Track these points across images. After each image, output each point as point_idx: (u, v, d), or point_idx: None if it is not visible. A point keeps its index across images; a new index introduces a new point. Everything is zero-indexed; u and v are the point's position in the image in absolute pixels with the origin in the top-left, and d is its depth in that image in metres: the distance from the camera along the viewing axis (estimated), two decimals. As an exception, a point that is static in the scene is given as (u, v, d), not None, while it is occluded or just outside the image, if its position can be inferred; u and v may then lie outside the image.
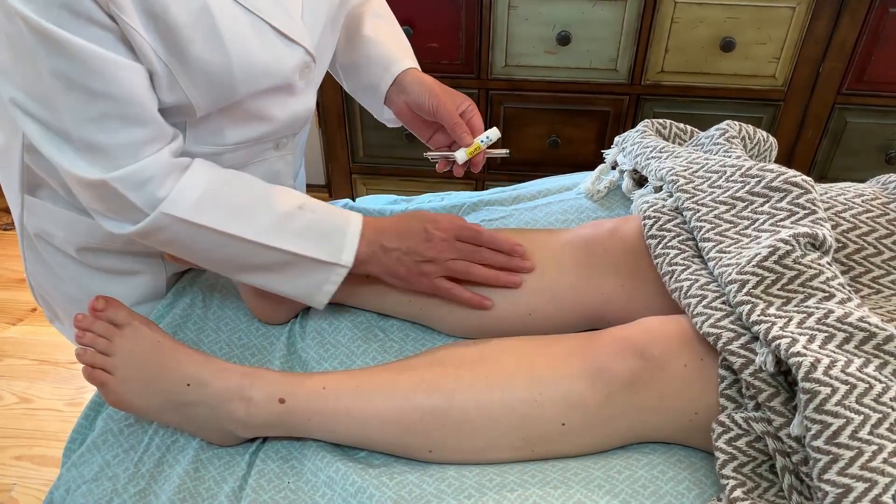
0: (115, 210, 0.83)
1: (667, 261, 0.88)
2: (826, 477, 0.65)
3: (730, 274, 0.80)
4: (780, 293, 0.78)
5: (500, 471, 0.82)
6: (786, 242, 0.79)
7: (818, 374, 0.68)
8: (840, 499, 0.64)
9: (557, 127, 1.85)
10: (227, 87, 0.83)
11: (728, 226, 0.87)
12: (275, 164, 1.01)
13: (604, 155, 1.18)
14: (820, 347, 0.71)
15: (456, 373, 0.84)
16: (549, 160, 1.91)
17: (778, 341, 0.71)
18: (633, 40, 1.68)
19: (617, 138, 1.17)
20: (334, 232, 0.90)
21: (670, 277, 0.86)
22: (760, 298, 0.77)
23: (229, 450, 0.88)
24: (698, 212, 0.89)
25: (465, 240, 0.93)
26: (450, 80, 1.78)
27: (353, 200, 1.25)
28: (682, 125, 1.16)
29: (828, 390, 0.67)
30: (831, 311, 0.74)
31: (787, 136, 1.81)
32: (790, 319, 0.74)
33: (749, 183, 0.90)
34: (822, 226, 0.82)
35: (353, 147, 1.95)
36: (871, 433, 0.65)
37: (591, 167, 1.20)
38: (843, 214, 0.88)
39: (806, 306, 0.76)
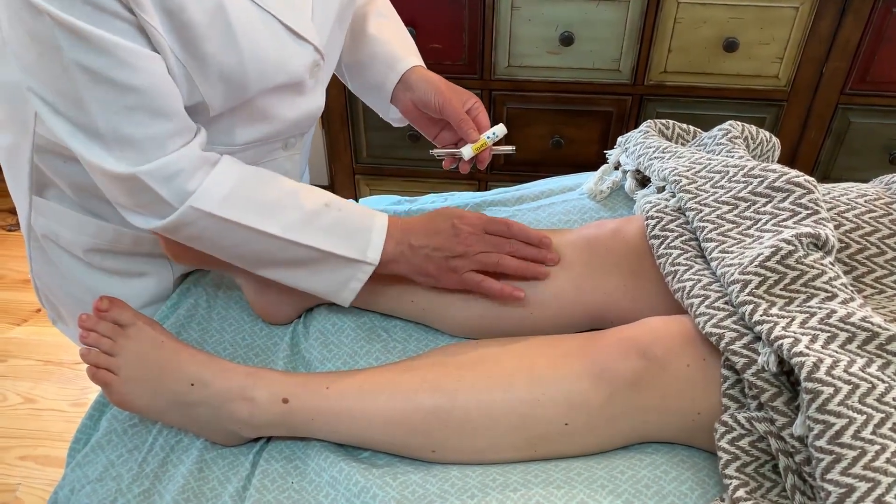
0: (144, 204, 0.83)
1: (669, 261, 0.88)
2: (829, 477, 0.65)
3: (732, 274, 0.80)
4: (783, 293, 0.78)
5: (503, 471, 0.82)
6: (788, 242, 0.79)
7: (821, 374, 0.68)
8: (843, 499, 0.64)
9: (560, 127, 1.85)
10: (240, 85, 0.84)
11: (731, 226, 0.87)
12: (283, 164, 1.01)
13: (607, 155, 1.18)
14: (822, 347, 0.71)
15: (458, 373, 0.84)
16: (552, 160, 1.91)
17: (780, 341, 0.71)
18: (636, 40, 1.68)
19: (620, 139, 1.17)
20: (360, 230, 0.90)
21: (673, 277, 0.86)
22: (763, 298, 0.77)
23: (233, 450, 0.88)
24: (701, 212, 0.89)
25: (494, 232, 0.93)
26: (453, 80, 1.76)
27: (357, 201, 1.25)
28: (684, 125, 1.16)
29: (830, 390, 0.67)
30: (834, 311, 0.74)
31: (790, 137, 1.81)
32: (793, 319, 0.74)
33: (752, 183, 0.90)
34: (824, 226, 0.82)
35: (356, 148, 1.96)
36: (873, 433, 0.65)
37: (594, 167, 1.20)
38: (845, 214, 0.88)
39: (808, 306, 0.76)
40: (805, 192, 0.86)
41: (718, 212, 0.89)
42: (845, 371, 0.68)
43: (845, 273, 0.85)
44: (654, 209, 0.94)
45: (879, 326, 0.72)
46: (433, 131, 1.07)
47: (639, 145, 1.09)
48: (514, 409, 0.81)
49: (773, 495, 0.73)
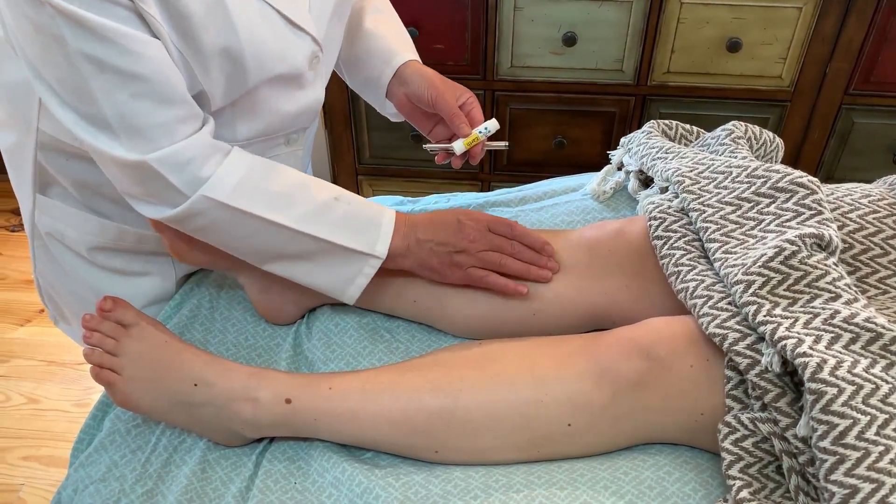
0: (154, 193, 0.83)
1: (672, 261, 0.88)
2: (833, 478, 0.65)
3: (736, 274, 0.80)
4: (786, 294, 0.78)
5: (506, 471, 0.82)
6: (792, 243, 0.79)
7: (824, 374, 0.67)
8: (847, 499, 0.64)
9: (563, 128, 1.85)
10: (240, 76, 0.84)
11: (734, 226, 0.87)
12: (286, 160, 1.01)
13: (610, 156, 1.18)
14: (826, 348, 0.71)
15: (461, 373, 0.84)
16: (555, 161, 1.90)
17: (784, 342, 0.71)
18: (639, 41, 1.68)
19: (623, 139, 1.17)
20: (369, 223, 0.90)
21: (676, 278, 0.86)
22: (766, 299, 0.77)
23: (236, 450, 0.88)
24: (704, 213, 0.89)
25: (498, 232, 0.94)
26: (455, 80, 1.78)
27: (360, 201, 1.25)
28: (687, 126, 1.15)
29: (834, 391, 0.67)
30: (837, 312, 0.74)
31: (793, 137, 1.80)
32: (796, 320, 0.74)
33: (755, 184, 0.90)
34: (828, 226, 0.82)
35: (358, 148, 1.96)
36: (877, 434, 0.65)
37: (597, 168, 1.19)
38: (849, 215, 0.88)
39: (812, 307, 0.76)
40: (808, 192, 0.86)
41: (722, 212, 0.89)
42: (849, 372, 0.68)
43: (849, 274, 0.85)
44: (657, 210, 0.94)
45: (883, 327, 0.72)
46: (428, 126, 1.07)
47: (642, 146, 1.09)
48: (517, 410, 0.81)
49: (777, 496, 0.73)
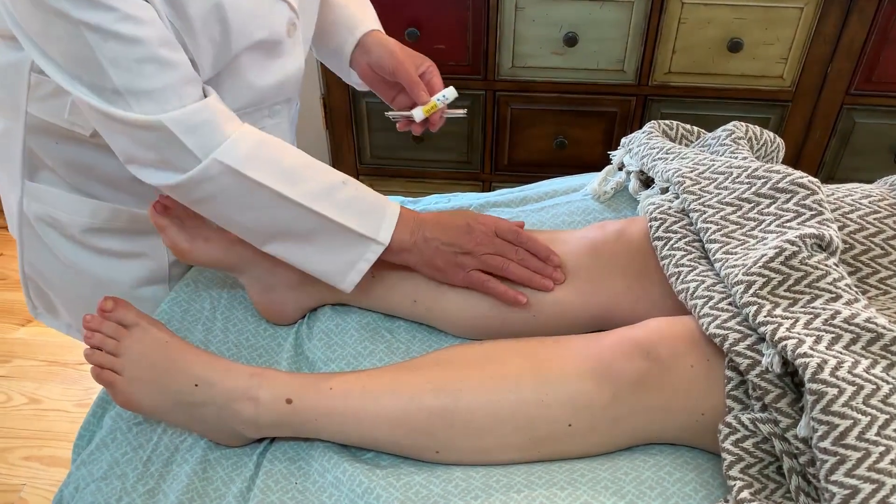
0: (166, 158, 0.83)
1: (673, 262, 0.88)
2: (833, 478, 0.65)
3: (736, 275, 0.80)
4: (787, 294, 0.78)
5: (507, 472, 0.82)
6: (792, 243, 0.79)
7: (825, 374, 0.67)
8: (847, 500, 0.64)
9: (564, 128, 1.85)
10: (225, 43, 0.86)
11: (734, 227, 0.87)
12: (270, 133, 1.02)
13: (610, 156, 1.18)
14: (827, 348, 0.71)
15: (463, 373, 0.84)
16: (556, 161, 1.91)
17: (784, 342, 0.71)
18: (641, 41, 1.68)
19: (624, 139, 1.17)
20: (375, 210, 0.91)
21: (677, 278, 0.86)
22: (767, 299, 0.77)
23: (237, 450, 0.88)
24: (704, 213, 0.89)
25: (505, 237, 0.94)
26: (457, 81, 1.78)
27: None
28: (688, 126, 1.15)
29: (835, 391, 0.67)
30: (838, 312, 0.74)
31: (794, 137, 1.80)
32: (797, 320, 0.74)
33: (755, 184, 0.90)
34: (828, 227, 0.82)
35: (360, 149, 1.96)
36: (878, 434, 0.65)
37: (598, 168, 1.20)
38: (850, 215, 0.88)
39: (812, 307, 0.76)
40: (809, 193, 0.86)
41: (722, 213, 0.89)
42: (849, 372, 0.68)
43: (849, 274, 0.85)
44: (657, 210, 0.94)
45: (884, 327, 0.72)
46: (390, 94, 1.10)
47: (642, 146, 1.09)
48: (518, 410, 0.81)
49: (777, 496, 0.73)
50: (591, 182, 1.16)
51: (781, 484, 0.74)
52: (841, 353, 0.70)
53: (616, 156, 1.17)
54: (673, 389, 0.79)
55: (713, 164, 0.96)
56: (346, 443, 0.86)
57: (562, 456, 0.83)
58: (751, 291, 0.78)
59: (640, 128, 1.19)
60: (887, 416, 0.66)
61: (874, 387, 0.67)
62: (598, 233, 0.96)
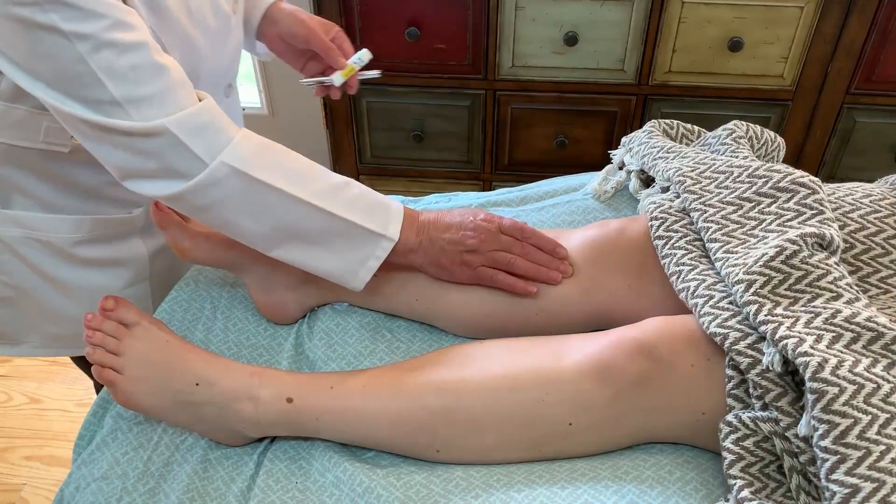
0: (170, 165, 0.82)
1: (674, 261, 0.88)
2: (834, 477, 0.65)
3: (737, 274, 0.80)
4: (788, 293, 0.78)
5: (507, 471, 0.82)
6: (793, 242, 0.79)
7: (826, 373, 0.67)
8: (848, 499, 0.64)
9: (565, 127, 1.85)
10: (190, 33, 0.89)
11: (735, 226, 0.87)
12: (229, 111, 1.04)
13: (611, 155, 1.18)
14: (827, 347, 0.71)
15: (463, 373, 0.84)
16: (557, 161, 1.90)
17: (785, 341, 0.71)
18: (641, 40, 1.68)
19: (624, 139, 1.17)
20: (380, 207, 0.91)
21: (677, 277, 0.86)
22: (767, 298, 0.77)
23: (237, 450, 0.88)
24: (705, 212, 0.89)
25: (509, 233, 0.95)
26: (457, 80, 1.79)
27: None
28: (689, 125, 1.15)
29: (835, 390, 0.67)
30: (839, 311, 0.74)
31: (795, 137, 1.80)
32: (797, 319, 0.74)
33: (756, 183, 0.90)
34: (829, 226, 0.82)
35: (360, 148, 1.96)
36: (878, 433, 0.65)
37: (599, 168, 1.20)
38: (850, 215, 0.88)
39: (813, 306, 0.76)
40: (810, 192, 0.86)
41: (723, 212, 0.89)
42: (850, 371, 0.68)
43: (850, 273, 0.85)
44: (658, 209, 0.94)
45: (885, 326, 0.72)
46: (300, 63, 1.12)
47: (643, 145, 1.10)
48: (519, 409, 0.81)
49: (778, 495, 0.73)
50: (591, 181, 1.16)
51: (782, 483, 0.74)
52: (842, 351, 0.70)
53: (616, 155, 1.17)
54: (674, 388, 0.79)
55: (714, 164, 0.96)
56: (347, 442, 0.86)
57: (563, 455, 0.83)
58: (751, 290, 0.78)
59: (641, 127, 1.19)
60: (888, 415, 0.66)
61: (875, 385, 0.67)
62: (599, 231, 0.96)
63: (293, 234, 0.88)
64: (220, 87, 1.03)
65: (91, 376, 1.04)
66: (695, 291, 0.83)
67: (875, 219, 0.87)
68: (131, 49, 0.77)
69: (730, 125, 1.07)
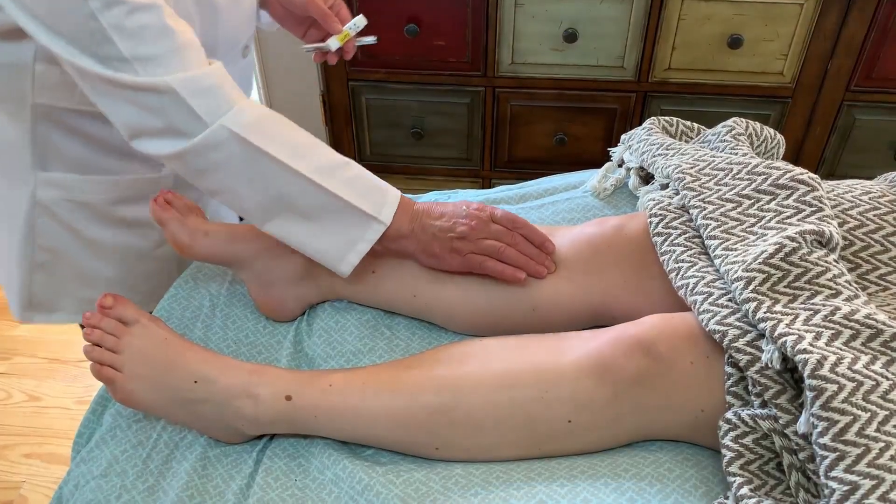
0: (172, 124, 0.85)
1: (673, 258, 0.88)
2: (833, 474, 0.65)
3: (736, 271, 0.80)
4: (787, 290, 0.78)
5: (507, 468, 0.82)
6: (792, 240, 0.79)
7: (825, 371, 0.67)
8: (847, 496, 0.64)
9: (564, 125, 1.85)
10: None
11: (734, 223, 0.87)
12: (245, 72, 1.15)
13: (610, 153, 1.18)
14: (826, 344, 0.71)
15: (462, 371, 0.84)
16: (556, 158, 1.90)
17: (784, 338, 0.71)
18: (640, 37, 1.68)
19: (623, 136, 1.17)
20: (377, 190, 0.92)
21: (676, 274, 0.86)
22: (766, 295, 0.77)
23: (236, 447, 0.88)
24: (704, 209, 0.89)
25: (500, 223, 0.95)
26: (457, 77, 1.79)
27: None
28: (688, 122, 1.15)
29: (834, 387, 0.67)
30: (838, 308, 0.74)
31: (794, 134, 1.80)
32: (796, 316, 0.74)
33: (755, 180, 0.90)
34: (828, 223, 0.82)
35: (359, 145, 1.96)
36: (877, 430, 0.65)
37: (598, 165, 1.20)
38: (849, 212, 0.88)
39: (812, 303, 0.76)
40: (809, 189, 0.86)
41: (722, 209, 0.89)
42: (849, 368, 0.68)
43: (849, 270, 0.85)
44: (657, 206, 0.94)
45: (884, 323, 0.72)
46: (301, 30, 1.15)
47: (642, 142, 1.09)
48: (518, 407, 0.81)
49: (777, 493, 0.73)
50: (590, 179, 1.16)
51: (781, 480, 0.74)
52: (841, 349, 0.70)
53: (616, 152, 1.17)
54: (673, 386, 0.79)
55: (713, 161, 0.96)
56: (346, 440, 0.86)
57: (562, 453, 0.83)
58: (751, 288, 0.78)
59: (640, 124, 1.19)
60: (887, 413, 0.66)
61: (874, 383, 0.67)
62: (598, 228, 0.96)
63: (287, 207, 0.89)
64: (237, 47, 1.06)
65: None
66: (694, 288, 0.83)
67: (874, 216, 0.87)
68: (142, 9, 0.80)
69: (729, 122, 1.07)
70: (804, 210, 0.85)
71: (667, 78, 1.74)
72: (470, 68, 1.77)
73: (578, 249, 0.95)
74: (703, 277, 0.84)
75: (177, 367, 0.85)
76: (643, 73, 1.74)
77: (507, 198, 1.18)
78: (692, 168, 0.96)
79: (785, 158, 1.10)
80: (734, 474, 0.74)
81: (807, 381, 0.68)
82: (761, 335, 0.75)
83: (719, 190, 0.91)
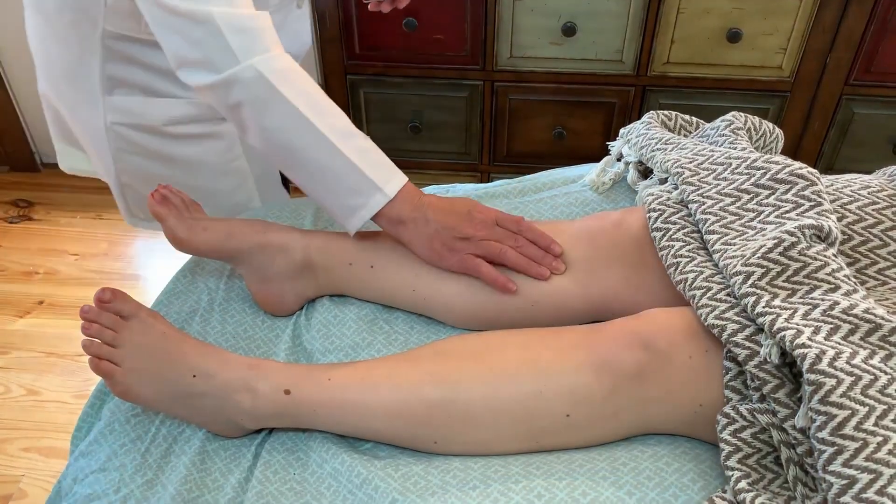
0: (207, 56, 0.89)
1: (672, 252, 0.88)
2: (831, 468, 0.65)
3: (735, 265, 0.80)
4: (786, 284, 0.78)
5: (505, 462, 0.82)
6: (791, 234, 0.79)
7: (823, 365, 0.67)
8: (845, 490, 0.64)
9: (563, 119, 1.84)
10: None
11: (733, 218, 0.87)
12: (298, 22, 1.21)
13: (609, 147, 1.18)
14: (825, 339, 0.71)
15: (461, 365, 0.84)
16: (555, 152, 1.90)
17: (783, 332, 0.71)
18: (639, 31, 1.68)
19: (622, 130, 1.17)
20: (387, 166, 0.95)
21: (675, 269, 0.86)
22: (765, 290, 0.77)
23: (235, 441, 0.88)
24: (703, 204, 0.89)
25: (504, 225, 0.95)
26: (455, 71, 1.78)
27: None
28: (687, 117, 1.15)
29: (833, 381, 0.67)
30: (836, 303, 0.74)
31: (793, 128, 1.80)
32: (795, 311, 0.74)
33: (754, 175, 0.89)
34: (827, 217, 0.82)
35: (358, 139, 1.95)
36: (875, 424, 0.65)
37: (597, 159, 1.19)
38: (848, 206, 0.88)
39: (811, 298, 0.76)
40: (808, 183, 0.86)
41: (721, 204, 0.89)
42: (848, 363, 0.68)
43: (848, 265, 0.85)
44: (656, 201, 0.94)
45: (882, 318, 0.72)
46: None
47: (641, 136, 1.09)
48: (517, 401, 0.81)
49: (775, 487, 0.73)
50: (589, 173, 1.16)
51: (779, 474, 0.75)
52: (839, 343, 0.70)
53: (615, 146, 1.17)
54: (671, 380, 0.79)
55: (712, 155, 0.96)
56: (345, 433, 0.86)
57: (560, 447, 0.83)
58: (749, 282, 0.78)
59: (639, 118, 1.19)
60: (885, 407, 0.66)
61: (872, 377, 0.67)
62: (597, 223, 0.96)
63: (300, 161, 0.92)
64: None
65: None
66: (692, 283, 0.83)
67: (873, 210, 0.87)
68: None
69: (728, 116, 1.07)
70: (803, 205, 0.84)
71: (666, 72, 1.74)
72: (468, 62, 1.77)
73: (577, 244, 0.95)
74: (702, 272, 0.83)
75: (175, 361, 0.85)
76: (642, 66, 1.73)
77: (506, 192, 1.18)
78: (691, 162, 0.95)
79: (784, 152, 1.10)
80: (732, 468, 0.74)
81: (805, 376, 0.68)
82: (760, 330, 0.75)
83: (718, 184, 0.91)
